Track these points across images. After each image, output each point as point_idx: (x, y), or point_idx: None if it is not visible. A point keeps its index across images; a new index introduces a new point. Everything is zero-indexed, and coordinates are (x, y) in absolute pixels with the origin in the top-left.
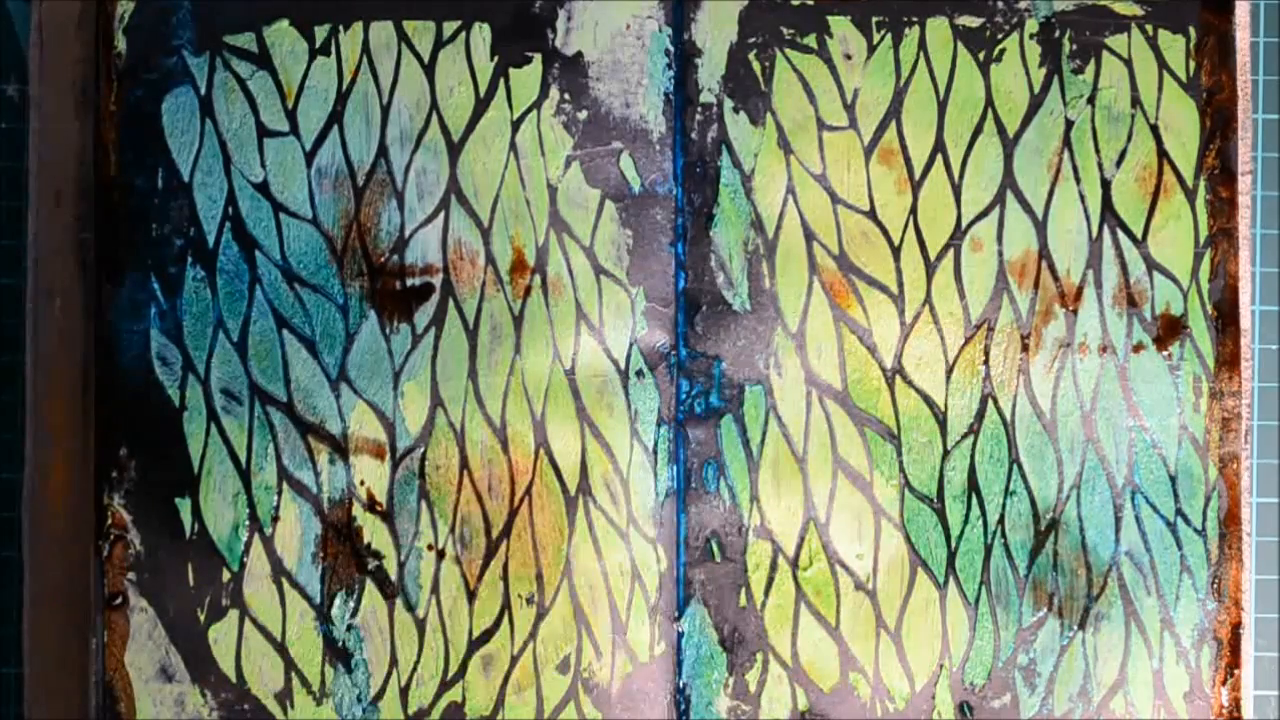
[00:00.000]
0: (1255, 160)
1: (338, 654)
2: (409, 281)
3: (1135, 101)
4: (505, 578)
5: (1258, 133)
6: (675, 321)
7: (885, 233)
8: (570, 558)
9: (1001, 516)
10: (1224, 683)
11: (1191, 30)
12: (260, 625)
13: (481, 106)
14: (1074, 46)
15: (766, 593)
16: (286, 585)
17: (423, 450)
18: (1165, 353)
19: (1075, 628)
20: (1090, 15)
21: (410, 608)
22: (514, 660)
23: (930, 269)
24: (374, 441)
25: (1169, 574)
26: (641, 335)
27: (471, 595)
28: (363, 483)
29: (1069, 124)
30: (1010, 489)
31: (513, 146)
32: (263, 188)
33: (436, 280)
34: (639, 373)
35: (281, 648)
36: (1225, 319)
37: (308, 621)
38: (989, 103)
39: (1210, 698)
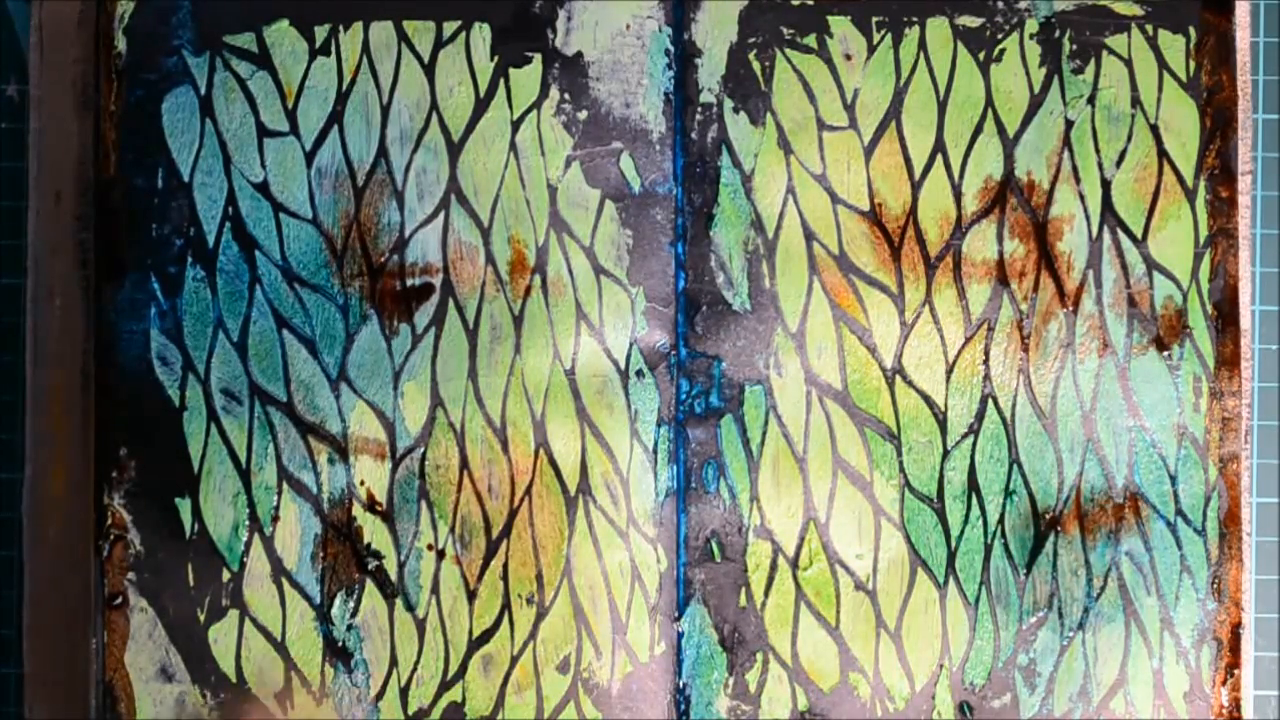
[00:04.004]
0: (1255, 160)
1: (338, 654)
2: (409, 281)
3: (1135, 101)
4: (505, 578)
5: (1258, 133)
6: (675, 321)
7: (885, 233)
8: (570, 558)
9: (1001, 516)
10: (1224, 683)
11: (1191, 30)
12: (260, 625)
13: (481, 106)
14: (1074, 46)
15: (766, 593)
16: (286, 585)
17: (423, 450)
18: (1165, 353)
19: (1075, 628)
20: (1090, 15)
21: (410, 608)
22: (514, 660)
23: (930, 269)
24: (374, 441)
25: (1169, 574)
26: (641, 335)
27: (471, 595)
28: (363, 483)
29: (1069, 124)
30: (1010, 489)
31: (513, 146)
32: (263, 188)
33: (436, 280)
34: (639, 373)
35: (281, 648)
36: (1225, 319)
37: (308, 621)
38: (989, 103)
39: (1210, 698)
